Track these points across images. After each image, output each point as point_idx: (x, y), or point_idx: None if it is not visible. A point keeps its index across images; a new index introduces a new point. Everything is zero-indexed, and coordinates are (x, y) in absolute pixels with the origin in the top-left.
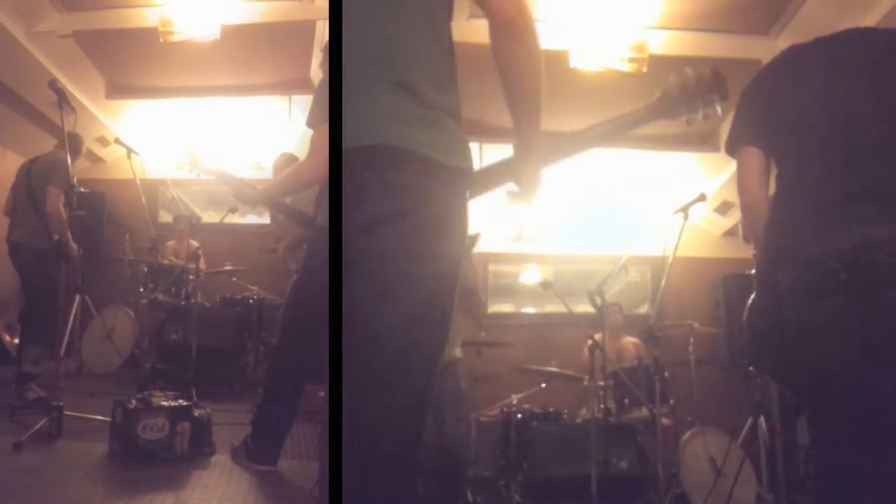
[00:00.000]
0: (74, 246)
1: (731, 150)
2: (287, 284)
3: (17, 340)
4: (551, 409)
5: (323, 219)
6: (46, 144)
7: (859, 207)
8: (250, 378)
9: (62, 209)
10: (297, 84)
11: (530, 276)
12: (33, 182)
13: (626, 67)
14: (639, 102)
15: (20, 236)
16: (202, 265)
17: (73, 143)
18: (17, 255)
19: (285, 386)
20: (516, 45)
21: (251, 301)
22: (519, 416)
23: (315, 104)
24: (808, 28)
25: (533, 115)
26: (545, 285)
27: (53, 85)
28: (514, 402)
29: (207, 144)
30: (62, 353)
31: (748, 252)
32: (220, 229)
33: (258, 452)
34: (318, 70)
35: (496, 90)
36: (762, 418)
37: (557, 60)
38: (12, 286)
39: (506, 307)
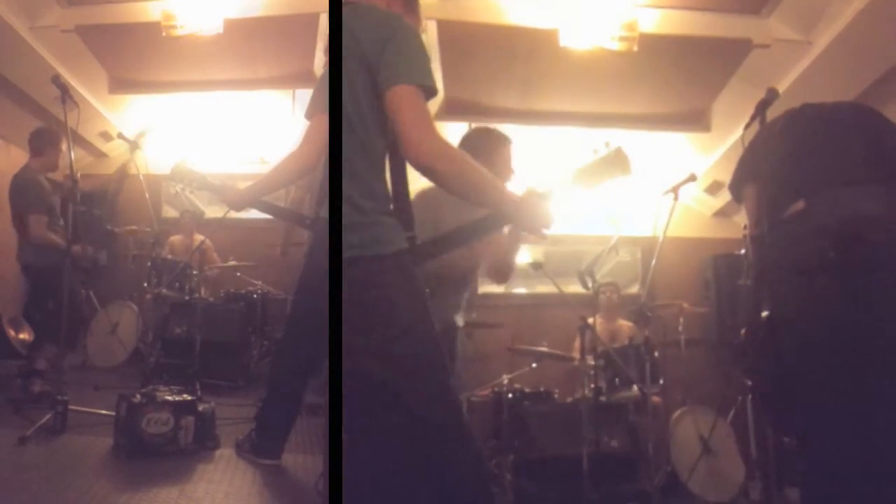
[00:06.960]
0: (89, 251)
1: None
2: (290, 279)
3: (21, 335)
4: (542, 389)
5: (325, 211)
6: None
7: (847, 189)
8: (254, 373)
9: (47, 233)
10: (300, 78)
11: (521, 257)
12: (14, 207)
13: (617, 46)
14: (629, 82)
15: (22, 258)
16: (213, 260)
17: (45, 138)
18: (29, 275)
19: (289, 381)
20: (445, 185)
21: (255, 296)
22: (510, 395)
23: (313, 96)
24: (799, 7)
25: (493, 205)
26: (536, 266)
27: (57, 80)
28: (506, 381)
29: (210, 139)
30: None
31: (738, 232)
32: (224, 224)
33: (262, 446)
34: (321, 64)
35: (486, 70)
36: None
37: (547, 39)
38: (16, 282)
39: (496, 288)
